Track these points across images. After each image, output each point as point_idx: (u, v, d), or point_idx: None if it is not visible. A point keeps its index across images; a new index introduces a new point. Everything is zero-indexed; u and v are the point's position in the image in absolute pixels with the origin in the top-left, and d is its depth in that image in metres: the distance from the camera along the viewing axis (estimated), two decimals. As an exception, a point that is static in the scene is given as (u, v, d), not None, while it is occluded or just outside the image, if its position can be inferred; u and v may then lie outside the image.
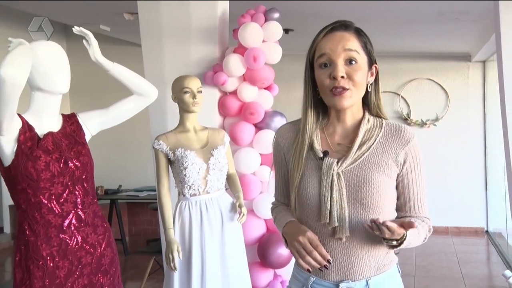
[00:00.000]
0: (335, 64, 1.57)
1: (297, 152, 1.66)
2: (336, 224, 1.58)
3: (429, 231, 1.68)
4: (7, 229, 7.46)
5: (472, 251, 6.96)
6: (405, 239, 1.52)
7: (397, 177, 1.65)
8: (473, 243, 7.39)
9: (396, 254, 1.70)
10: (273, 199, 1.90)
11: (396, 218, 1.68)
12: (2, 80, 1.99)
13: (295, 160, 1.66)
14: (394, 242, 1.52)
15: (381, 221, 1.44)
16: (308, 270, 1.56)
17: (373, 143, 1.63)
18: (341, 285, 1.63)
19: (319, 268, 1.55)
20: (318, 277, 1.65)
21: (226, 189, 3.33)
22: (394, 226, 1.45)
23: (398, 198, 1.68)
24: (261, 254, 3.79)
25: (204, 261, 3.06)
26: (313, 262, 1.53)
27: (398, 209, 1.69)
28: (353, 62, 1.58)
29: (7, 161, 2.24)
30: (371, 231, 1.50)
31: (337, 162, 1.60)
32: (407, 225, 1.46)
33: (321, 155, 1.62)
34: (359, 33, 1.63)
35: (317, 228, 1.62)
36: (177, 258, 3.00)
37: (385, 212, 1.61)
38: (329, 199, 1.58)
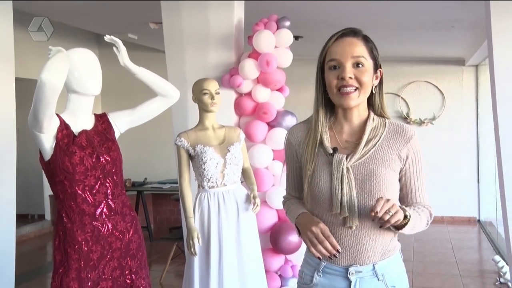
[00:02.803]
0: (344, 66, 1.58)
1: (309, 146, 1.66)
2: (347, 214, 1.58)
3: (430, 216, 1.68)
4: (48, 216, 7.54)
5: (465, 238, 6.91)
6: (409, 219, 1.53)
7: (400, 171, 1.65)
8: (466, 231, 7.34)
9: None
10: (284, 192, 1.90)
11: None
12: (42, 84, 2.01)
13: (308, 152, 1.66)
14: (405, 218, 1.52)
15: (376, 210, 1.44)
16: (319, 258, 1.56)
17: (378, 140, 1.63)
18: (350, 269, 1.63)
19: (328, 257, 1.55)
20: (329, 262, 1.65)
21: (242, 182, 3.33)
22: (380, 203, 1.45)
23: (401, 190, 1.68)
24: (273, 241, 3.79)
25: (222, 247, 3.07)
26: (323, 251, 1.53)
27: (402, 199, 1.70)
28: (360, 65, 1.59)
29: (47, 156, 2.26)
30: (373, 220, 1.49)
31: (346, 158, 1.60)
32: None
33: (331, 151, 1.62)
34: (367, 40, 1.64)
35: (329, 218, 1.62)
36: (197, 244, 3.01)
37: None
38: (339, 191, 1.58)
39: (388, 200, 1.46)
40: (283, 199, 1.89)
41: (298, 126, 1.78)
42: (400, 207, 1.53)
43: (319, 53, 1.66)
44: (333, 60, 1.60)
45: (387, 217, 1.44)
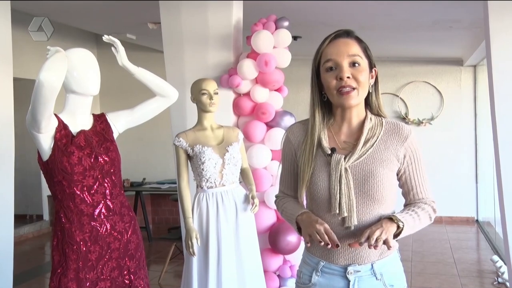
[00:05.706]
0: (341, 66, 1.58)
1: (307, 150, 1.66)
2: (345, 214, 1.59)
3: (433, 211, 1.70)
4: (46, 216, 7.53)
5: (463, 238, 6.91)
6: (402, 228, 1.56)
7: (400, 170, 1.66)
8: (464, 231, 7.34)
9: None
10: None
11: (404, 204, 1.71)
12: (41, 84, 2.01)
13: (305, 158, 1.66)
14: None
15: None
16: (320, 242, 1.54)
17: (376, 140, 1.64)
18: (349, 268, 1.63)
19: (327, 244, 1.53)
20: (327, 262, 1.65)
21: (240, 182, 3.33)
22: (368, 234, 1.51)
23: (402, 187, 1.70)
24: (271, 241, 3.79)
25: (220, 247, 3.06)
26: (325, 239, 1.53)
27: (404, 196, 1.72)
28: (357, 64, 1.59)
29: (46, 156, 2.26)
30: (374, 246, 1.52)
31: (344, 158, 1.60)
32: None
33: (329, 152, 1.62)
34: (360, 40, 1.65)
35: (328, 218, 1.62)
36: (196, 245, 3.01)
37: (388, 202, 1.63)
38: (338, 191, 1.59)
39: (374, 229, 1.51)
40: (275, 198, 1.88)
41: (297, 125, 1.78)
42: (392, 217, 1.57)
43: (314, 56, 1.66)
44: (329, 60, 1.59)
45: (380, 243, 1.49)
